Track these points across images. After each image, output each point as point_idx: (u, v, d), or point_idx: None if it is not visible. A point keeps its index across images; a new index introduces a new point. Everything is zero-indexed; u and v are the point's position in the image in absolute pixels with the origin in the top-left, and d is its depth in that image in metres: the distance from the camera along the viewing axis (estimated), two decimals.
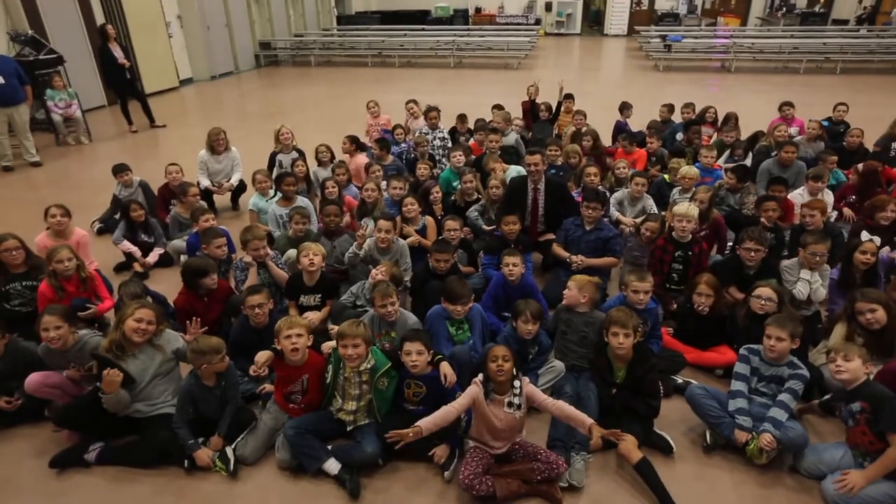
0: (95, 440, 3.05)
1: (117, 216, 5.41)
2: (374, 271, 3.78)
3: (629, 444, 2.87)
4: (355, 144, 6.33)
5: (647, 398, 3.04)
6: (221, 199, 6.33)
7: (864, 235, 4.33)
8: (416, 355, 2.93)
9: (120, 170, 5.64)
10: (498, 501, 2.72)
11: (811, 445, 2.90)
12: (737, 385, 3.09)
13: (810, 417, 3.29)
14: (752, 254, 3.85)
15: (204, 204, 5.51)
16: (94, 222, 5.82)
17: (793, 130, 7.01)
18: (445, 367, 2.99)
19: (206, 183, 6.04)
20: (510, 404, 2.80)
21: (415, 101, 7.39)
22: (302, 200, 5.09)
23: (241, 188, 6.27)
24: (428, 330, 3.49)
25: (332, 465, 2.90)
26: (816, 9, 20.37)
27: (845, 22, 19.34)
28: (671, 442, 3.04)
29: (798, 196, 5.33)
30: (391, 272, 3.75)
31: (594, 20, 23.88)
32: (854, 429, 2.77)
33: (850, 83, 12.71)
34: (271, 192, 5.36)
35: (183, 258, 4.89)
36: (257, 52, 16.42)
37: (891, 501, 2.61)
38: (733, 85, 12.87)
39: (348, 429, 3.06)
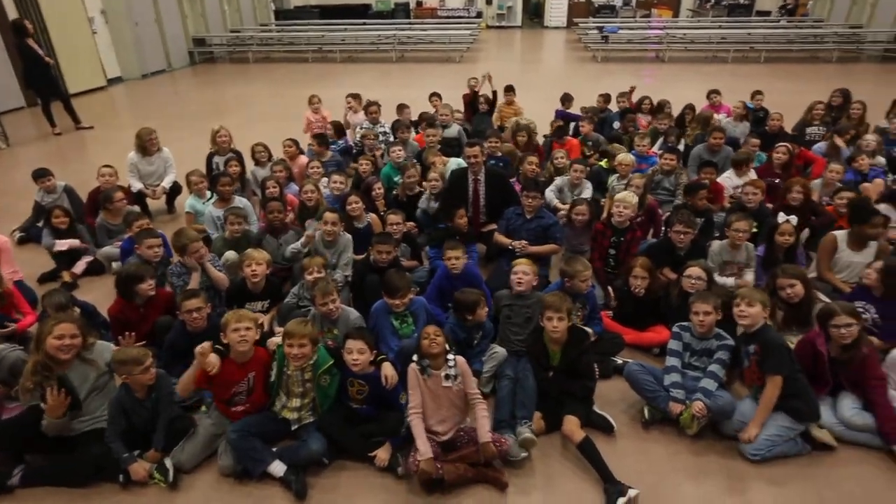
0: (17, 463, 2.87)
1: (40, 224, 5.11)
2: (306, 275, 3.73)
3: (571, 426, 2.97)
4: (297, 146, 6.19)
5: (582, 380, 3.14)
6: (156, 202, 6.07)
7: (781, 217, 4.60)
8: (357, 354, 2.92)
9: (41, 175, 5.32)
10: (446, 486, 2.75)
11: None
12: (671, 361, 3.23)
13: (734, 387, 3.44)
14: (682, 236, 4.02)
15: (136, 208, 5.28)
16: (14, 231, 5.47)
17: (720, 117, 7.33)
18: (387, 369, 2.99)
19: (138, 186, 5.78)
20: (447, 377, 2.89)
21: (354, 96, 7.30)
22: (239, 201, 4.95)
23: (175, 190, 6.03)
24: (373, 326, 3.49)
25: (278, 467, 2.85)
26: (741, 0, 21.35)
27: (768, 13, 20.37)
28: (612, 421, 3.14)
29: (726, 179, 5.60)
30: (322, 264, 3.74)
31: (534, 13, 24.23)
32: (748, 368, 3.07)
33: (772, 71, 13.41)
34: (208, 193, 5.18)
35: (115, 265, 4.68)
36: (191, 49, 15.83)
37: (788, 433, 2.91)
38: (667, 74, 13.34)
39: (293, 428, 3.02)
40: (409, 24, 18.98)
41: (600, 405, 3.24)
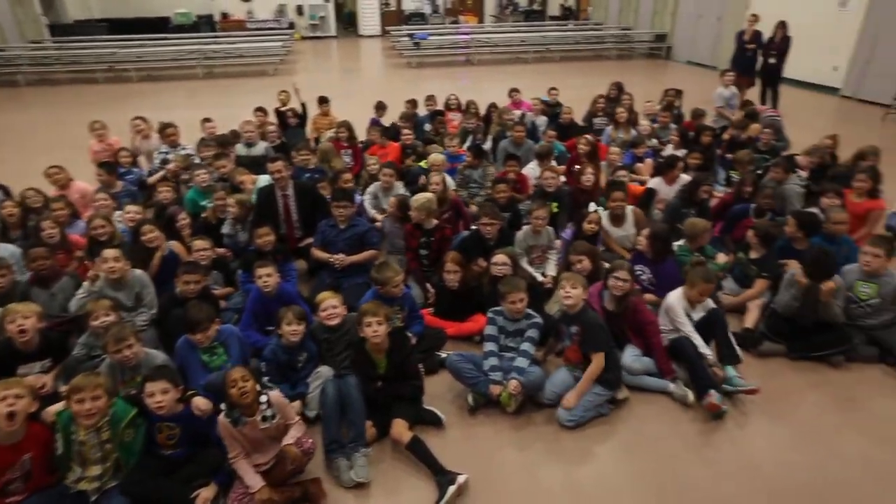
0: None
1: None
2: (91, 322, 3.29)
3: (399, 429, 3.01)
4: (65, 172, 5.40)
5: (410, 381, 3.19)
6: None
7: (592, 206, 5.13)
8: (160, 395, 2.66)
9: None
10: None
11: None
12: (488, 346, 3.42)
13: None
14: (489, 227, 4.29)
15: None
16: None
17: (519, 112, 7.96)
18: (198, 401, 2.80)
19: None
20: (264, 419, 2.75)
21: (143, 119, 6.61)
22: (3, 248, 4.21)
23: None
24: (179, 365, 3.20)
25: None
26: (534, 7, 23.53)
27: (558, 17, 22.69)
28: (439, 414, 3.24)
29: (531, 170, 6.09)
30: (109, 306, 3.34)
31: (348, 22, 24.24)
32: (569, 347, 3.35)
33: (566, 69, 14.97)
34: None
35: None
36: None
37: (599, 399, 3.25)
38: (477, 76, 14.22)
39: (92, 499, 2.65)
40: (215, 37, 17.82)
41: (429, 400, 3.33)
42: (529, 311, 3.46)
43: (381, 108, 7.96)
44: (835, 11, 11.01)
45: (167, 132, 6.17)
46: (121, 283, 3.71)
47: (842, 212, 4.32)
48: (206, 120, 6.68)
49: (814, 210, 4.63)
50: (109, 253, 3.63)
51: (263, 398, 2.73)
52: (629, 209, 4.74)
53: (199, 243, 4.15)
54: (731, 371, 3.36)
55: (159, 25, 19.03)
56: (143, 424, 2.76)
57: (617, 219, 4.72)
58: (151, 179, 5.81)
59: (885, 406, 3.33)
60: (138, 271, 3.82)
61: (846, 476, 2.88)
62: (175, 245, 4.37)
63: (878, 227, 4.88)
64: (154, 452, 2.78)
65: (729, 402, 3.29)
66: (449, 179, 5.57)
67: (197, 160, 6.18)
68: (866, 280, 3.70)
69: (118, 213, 4.86)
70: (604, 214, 4.77)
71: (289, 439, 2.77)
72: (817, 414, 3.30)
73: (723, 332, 3.48)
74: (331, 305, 3.40)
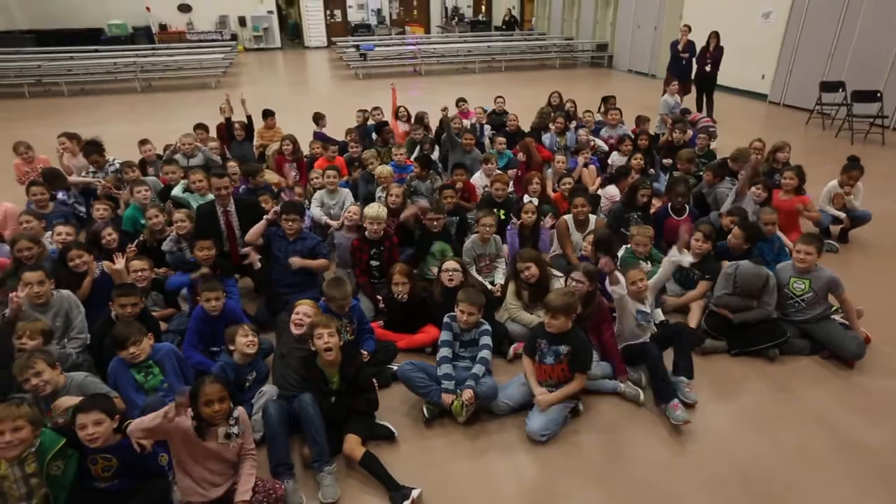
0: None
1: None
2: (15, 340, 3.10)
3: (351, 445, 2.95)
4: None
5: (365, 395, 3.13)
6: None
7: (526, 199, 5.21)
8: (92, 427, 2.49)
9: None
10: None
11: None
12: (442, 352, 3.39)
13: (496, 366, 3.71)
14: (435, 222, 4.38)
15: None
16: None
17: (468, 122, 8.04)
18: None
19: None
20: (228, 435, 2.62)
21: (68, 136, 6.29)
22: None
23: None
24: (113, 387, 3.04)
25: None
26: (480, 17, 23.91)
27: (502, 28, 23.13)
28: (392, 428, 3.20)
29: (478, 178, 6.15)
30: (40, 329, 3.15)
31: (293, 33, 23.99)
32: (555, 365, 3.23)
33: (512, 78, 15.25)
34: None
35: None
36: None
37: (565, 411, 3.25)
38: (425, 86, 14.29)
39: None
40: (153, 49, 17.24)
41: (382, 413, 3.28)
42: (480, 318, 3.46)
43: (319, 118, 7.87)
44: (760, 23, 11.68)
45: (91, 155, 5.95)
46: (45, 306, 3.49)
47: (772, 213, 4.54)
48: (144, 142, 6.42)
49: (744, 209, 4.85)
50: (32, 276, 3.41)
51: (235, 414, 2.63)
52: (593, 218, 4.86)
53: (136, 263, 3.96)
54: (683, 380, 3.43)
55: (91, 37, 18.27)
56: (75, 455, 2.58)
57: (581, 224, 4.82)
58: (73, 179, 5.63)
59: (817, 395, 3.51)
60: (64, 291, 3.61)
61: (782, 462, 3.01)
62: (107, 265, 4.16)
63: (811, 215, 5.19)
64: (88, 486, 2.61)
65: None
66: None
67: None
68: (799, 276, 3.86)
69: (48, 234, 4.61)
70: (569, 218, 4.86)
71: (245, 493, 2.63)
72: (756, 406, 3.43)
73: (687, 345, 3.55)
74: (304, 312, 3.35)
